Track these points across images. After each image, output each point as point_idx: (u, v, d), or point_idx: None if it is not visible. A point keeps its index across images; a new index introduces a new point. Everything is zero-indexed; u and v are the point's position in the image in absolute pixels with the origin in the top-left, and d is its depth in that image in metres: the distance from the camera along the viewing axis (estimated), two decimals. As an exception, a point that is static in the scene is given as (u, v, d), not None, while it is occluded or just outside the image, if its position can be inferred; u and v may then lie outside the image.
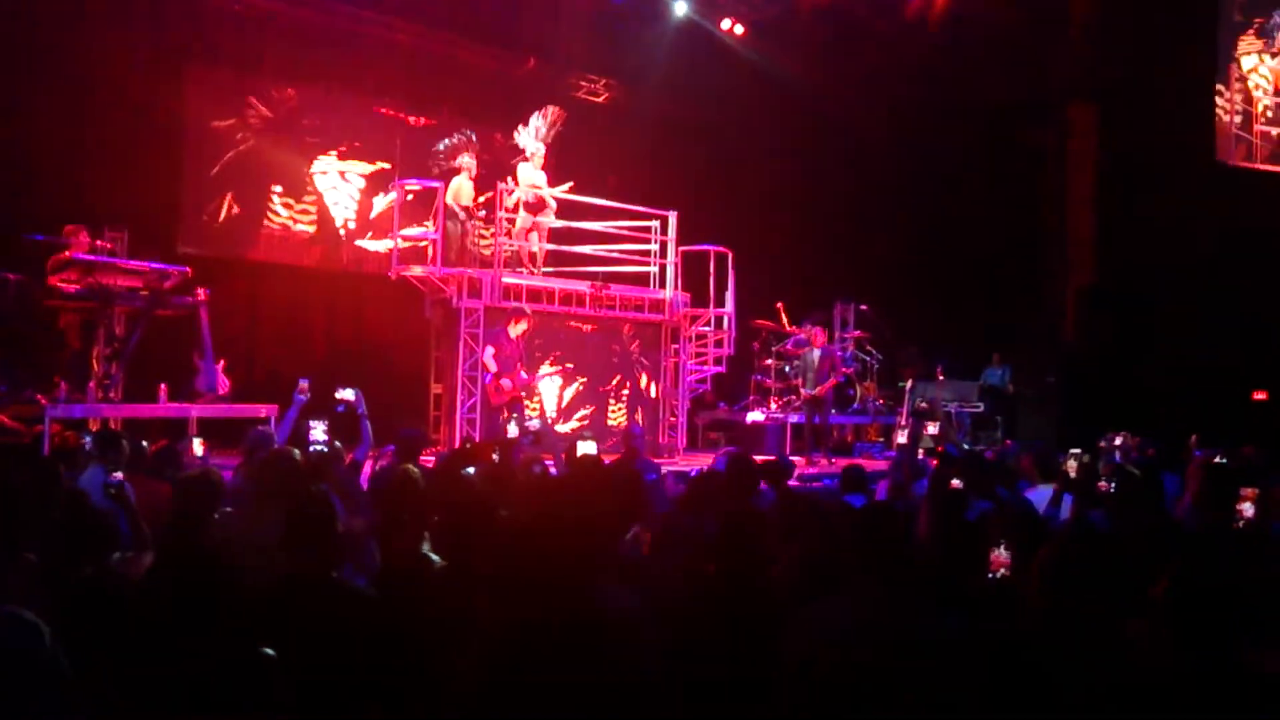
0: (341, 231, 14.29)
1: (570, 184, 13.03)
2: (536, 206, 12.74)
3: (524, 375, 10.94)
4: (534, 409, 12.07)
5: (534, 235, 12.83)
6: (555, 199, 12.96)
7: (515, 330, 10.83)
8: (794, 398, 13.94)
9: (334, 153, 14.34)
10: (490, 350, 10.77)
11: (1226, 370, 14.11)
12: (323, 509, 3.69)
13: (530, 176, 12.77)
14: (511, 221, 12.57)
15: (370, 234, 14.51)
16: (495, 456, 6.66)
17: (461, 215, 12.39)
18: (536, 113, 13.13)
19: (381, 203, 14.46)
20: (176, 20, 12.96)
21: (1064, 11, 15.74)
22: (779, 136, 16.76)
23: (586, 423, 12.65)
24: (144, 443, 6.19)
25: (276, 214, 13.91)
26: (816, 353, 12.71)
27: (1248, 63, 16.12)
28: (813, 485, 9.92)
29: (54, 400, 8.83)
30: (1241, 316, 14.33)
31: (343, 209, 14.40)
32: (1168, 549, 4.47)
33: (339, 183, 14.40)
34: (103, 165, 11.85)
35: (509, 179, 12.69)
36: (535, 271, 12.79)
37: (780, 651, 3.28)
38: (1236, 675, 2.84)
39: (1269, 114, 16.14)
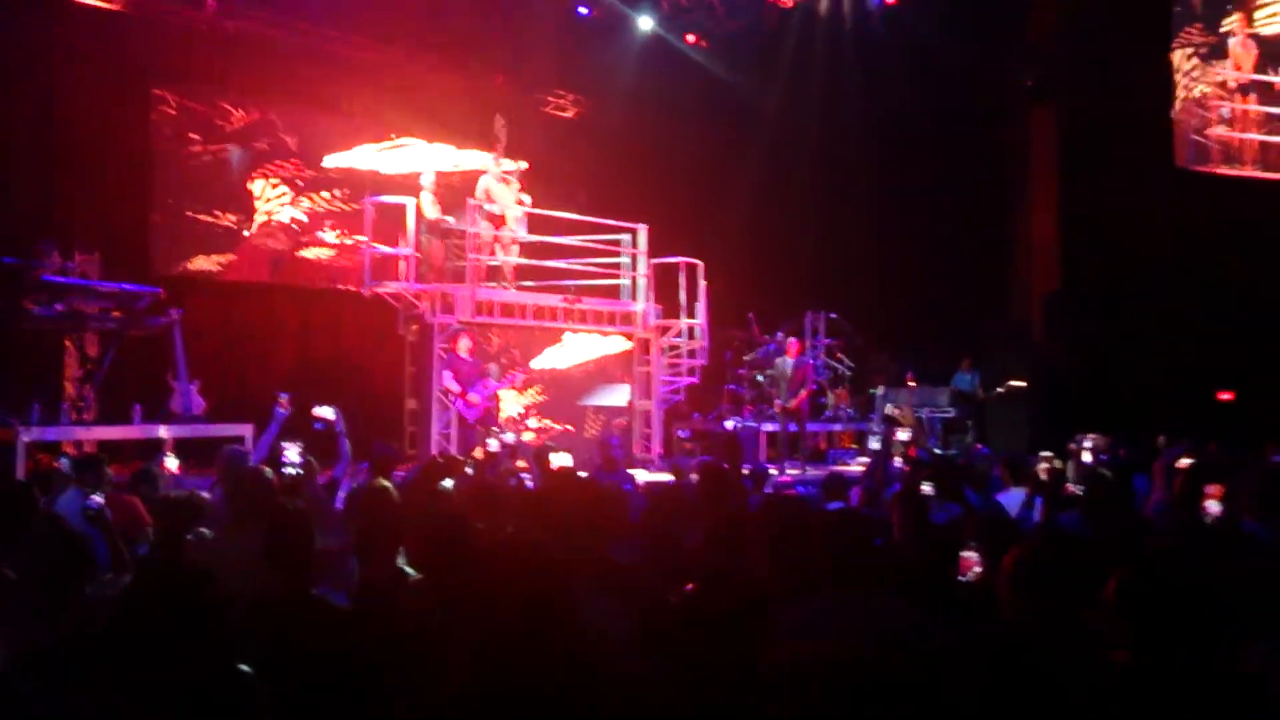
0: (247, 231, 14.11)
1: (518, 193, 13.01)
2: (498, 220, 12.78)
3: (492, 383, 11.00)
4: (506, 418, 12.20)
5: (498, 249, 12.85)
6: (526, 213, 13.00)
7: (463, 349, 10.93)
8: (767, 406, 13.99)
9: (291, 166, 14.38)
10: (449, 375, 10.86)
11: (1192, 371, 14.28)
12: (299, 527, 3.70)
13: (491, 189, 12.80)
14: (478, 236, 12.58)
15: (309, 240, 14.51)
16: (469, 469, 6.68)
17: (423, 229, 12.43)
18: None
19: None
20: (143, 41, 12.93)
21: (1022, 17, 15.89)
22: (746, 147, 16.87)
23: (559, 430, 12.70)
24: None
25: (247, 231, 13.91)
26: (790, 362, 12.78)
27: (1200, 68, 16.31)
28: (787, 493, 9.96)
29: (26, 423, 8.77)
30: (1205, 317, 14.50)
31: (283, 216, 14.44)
32: (1137, 549, 4.54)
33: (278, 193, 14.41)
34: (73, 188, 11.86)
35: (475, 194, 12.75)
36: (507, 286, 12.81)
37: (761, 658, 3.31)
38: (1200, 674, 2.89)
39: (1222, 118, 16.33)
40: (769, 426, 13.77)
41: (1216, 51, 16.26)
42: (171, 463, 6.38)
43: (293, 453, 5.27)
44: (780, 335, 14.28)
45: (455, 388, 10.78)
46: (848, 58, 16.20)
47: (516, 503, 5.35)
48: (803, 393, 12.66)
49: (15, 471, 7.95)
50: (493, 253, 12.80)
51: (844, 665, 3.09)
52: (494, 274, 12.83)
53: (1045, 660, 3.16)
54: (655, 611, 3.68)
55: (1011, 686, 3.17)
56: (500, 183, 12.96)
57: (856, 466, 12.60)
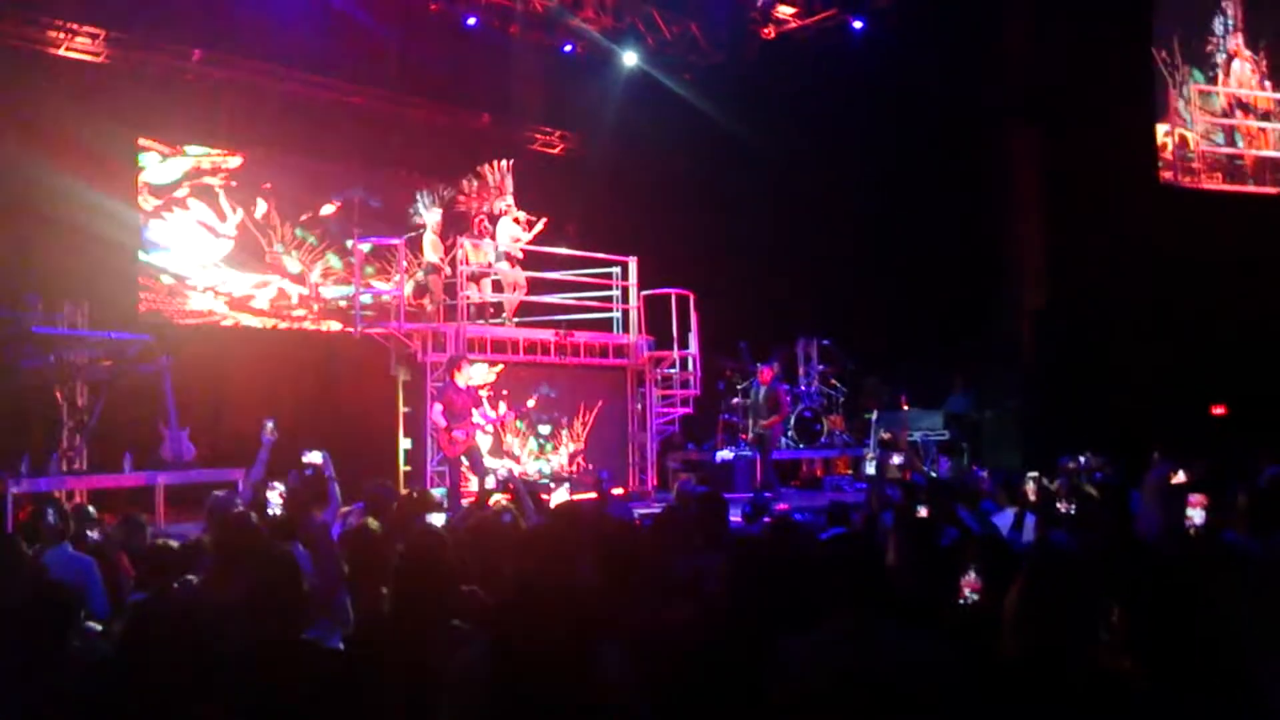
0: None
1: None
2: (512, 259, 12.84)
3: (493, 414, 10.81)
4: (527, 445, 12.29)
5: (486, 284, 12.91)
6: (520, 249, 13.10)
7: (462, 379, 10.58)
8: (743, 435, 14.02)
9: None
10: (439, 408, 10.55)
11: (1185, 385, 14.25)
12: (286, 570, 3.65)
13: (503, 231, 12.87)
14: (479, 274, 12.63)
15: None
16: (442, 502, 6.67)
17: (427, 269, 12.48)
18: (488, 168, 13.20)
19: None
20: (130, 91, 13.01)
21: (999, 35, 15.97)
22: (732, 178, 16.90)
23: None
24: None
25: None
26: (763, 390, 12.82)
27: (1186, 83, 16.40)
28: (785, 519, 9.90)
29: (16, 475, 8.73)
30: (1195, 331, 14.48)
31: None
32: (1130, 567, 4.50)
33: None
34: (60, 238, 11.86)
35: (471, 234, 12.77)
36: (505, 322, 12.84)
37: (764, 690, 3.27)
38: (1203, 694, 2.86)
39: (1206, 134, 16.40)
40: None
41: (1202, 67, 16.37)
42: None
43: (275, 495, 5.21)
44: (756, 365, 14.28)
45: (442, 423, 10.58)
46: (830, 85, 16.26)
47: (514, 542, 5.28)
48: (774, 418, 12.67)
49: (5, 524, 7.92)
50: (514, 289, 12.87)
51: (850, 693, 3.07)
52: (490, 311, 12.86)
53: (1048, 684, 3.13)
54: (659, 647, 3.65)
55: (1013, 711, 3.14)
56: (514, 224, 13.02)
57: (851, 493, 12.56)
